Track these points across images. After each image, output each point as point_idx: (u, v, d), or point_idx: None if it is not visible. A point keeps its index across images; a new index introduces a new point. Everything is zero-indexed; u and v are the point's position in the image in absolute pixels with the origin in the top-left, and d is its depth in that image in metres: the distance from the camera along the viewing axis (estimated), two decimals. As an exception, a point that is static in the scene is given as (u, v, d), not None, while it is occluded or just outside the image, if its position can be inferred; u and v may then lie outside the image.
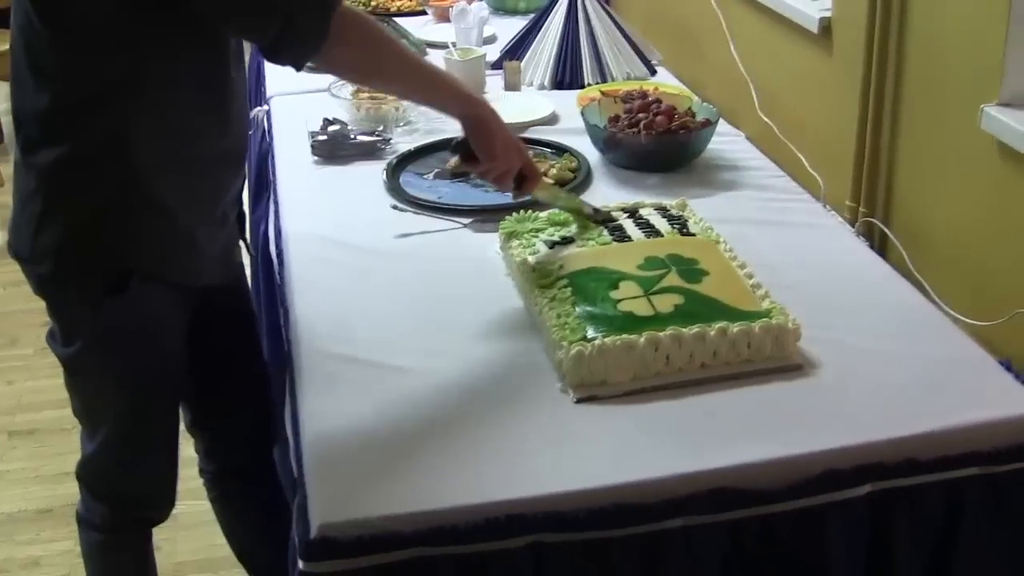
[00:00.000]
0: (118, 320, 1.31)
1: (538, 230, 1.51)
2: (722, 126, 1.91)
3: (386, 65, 1.28)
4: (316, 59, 1.22)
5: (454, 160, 1.79)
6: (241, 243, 1.53)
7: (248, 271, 1.79)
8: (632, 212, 1.55)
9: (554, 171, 1.77)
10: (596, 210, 1.52)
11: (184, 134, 1.26)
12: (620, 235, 1.47)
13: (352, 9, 1.24)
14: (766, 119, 1.98)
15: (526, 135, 1.97)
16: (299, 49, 1.20)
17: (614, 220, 1.50)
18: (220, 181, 1.36)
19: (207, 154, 1.30)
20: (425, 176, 1.84)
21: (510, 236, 1.51)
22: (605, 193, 1.73)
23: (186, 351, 1.43)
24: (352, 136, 1.90)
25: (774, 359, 1.25)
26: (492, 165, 1.35)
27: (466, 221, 1.62)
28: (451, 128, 2.05)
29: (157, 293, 1.32)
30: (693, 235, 1.48)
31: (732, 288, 1.33)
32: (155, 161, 1.25)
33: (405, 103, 2.00)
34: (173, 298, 1.36)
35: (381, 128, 1.99)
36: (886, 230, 1.64)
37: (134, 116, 1.22)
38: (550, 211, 1.55)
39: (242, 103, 1.36)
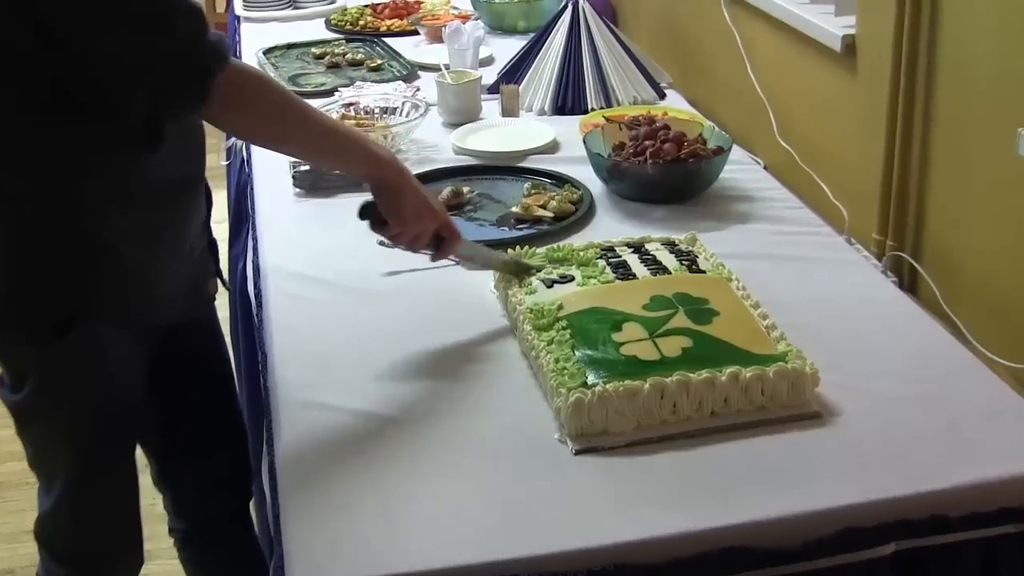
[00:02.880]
0: (65, 363, 1.33)
1: (536, 267, 1.53)
2: (736, 153, 1.94)
3: (281, 129, 1.31)
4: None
5: (446, 193, 1.82)
6: (219, 279, 1.56)
7: (227, 310, 1.82)
8: (638, 247, 1.58)
9: (554, 203, 1.80)
10: (527, 267, 1.52)
11: (122, 167, 1.28)
12: (624, 272, 1.49)
13: (244, 72, 1.26)
14: (785, 145, 2.00)
15: (524, 164, 2.01)
16: (175, 121, 1.24)
17: (539, 269, 1.51)
18: (169, 214, 1.37)
19: (150, 187, 1.31)
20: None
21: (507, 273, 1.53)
22: (609, 227, 1.75)
23: (146, 394, 1.45)
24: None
25: (790, 406, 1.26)
26: (402, 229, 1.38)
27: (458, 258, 1.64)
28: (445, 156, 2.12)
29: (108, 333, 1.34)
30: (703, 272, 1.50)
31: (745, 330, 1.34)
32: (94, 197, 1.27)
33: (394, 130, 2.03)
34: (127, 338, 1.37)
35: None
36: (916, 265, 1.66)
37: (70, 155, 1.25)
38: (548, 247, 1.58)
39: (191, 128, 1.36)
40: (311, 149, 1.37)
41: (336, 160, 1.40)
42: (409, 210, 1.35)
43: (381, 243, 1.61)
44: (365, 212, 1.38)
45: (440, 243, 1.43)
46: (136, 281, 1.34)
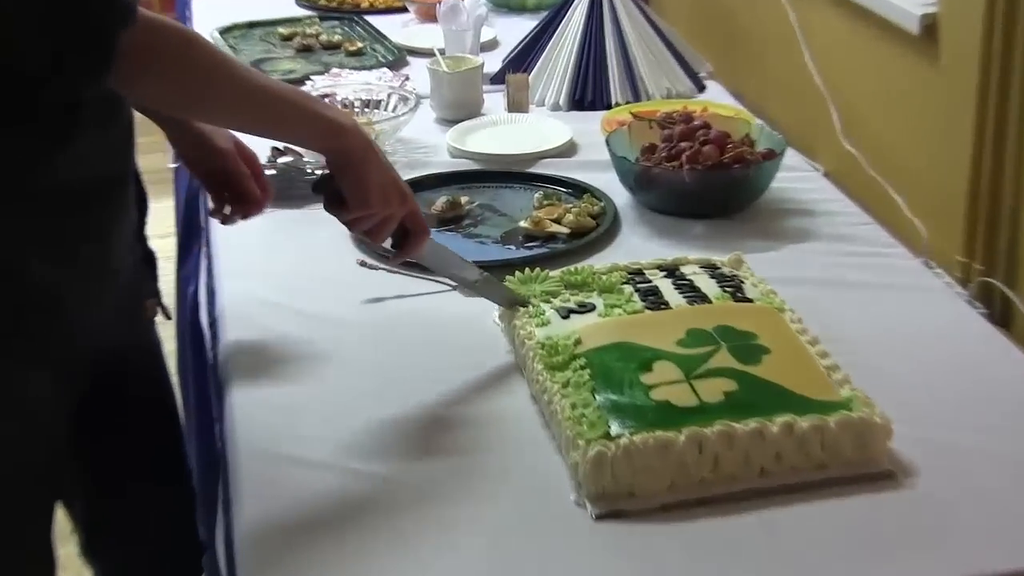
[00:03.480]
0: None
1: (550, 294, 1.55)
2: (791, 158, 1.96)
3: (212, 94, 1.28)
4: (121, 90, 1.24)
5: (440, 204, 1.84)
6: (159, 304, 1.57)
7: (174, 343, 1.83)
8: (671, 271, 1.59)
9: (571, 217, 1.82)
10: (511, 296, 1.54)
11: (22, 163, 1.24)
12: (655, 301, 1.51)
13: (159, 29, 1.22)
14: (849, 148, 2.01)
15: (535, 170, 2.03)
16: (78, 91, 1.21)
17: (523, 304, 1.52)
18: (86, 223, 1.33)
19: (60, 188, 1.28)
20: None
21: (513, 302, 1.55)
22: (637, 245, 1.77)
23: (71, 447, 1.43)
24: (309, 171, 1.95)
25: (856, 464, 1.27)
26: (364, 213, 1.37)
27: (456, 282, 1.66)
28: (439, 159, 2.13)
29: (19, 373, 1.30)
30: (750, 301, 1.52)
31: (801, 370, 1.35)
32: None
33: (378, 127, 2.05)
34: (46, 378, 1.34)
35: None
36: (1009, 293, 1.66)
37: None
38: (563, 270, 1.60)
39: (110, 112, 1.34)
40: (253, 117, 1.33)
41: (285, 129, 1.37)
42: (375, 191, 1.35)
43: (360, 257, 1.63)
44: (320, 186, 1.38)
45: (404, 238, 1.43)
46: (46, 304, 1.30)
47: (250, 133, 1.52)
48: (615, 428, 1.26)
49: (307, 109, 1.34)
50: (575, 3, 2.37)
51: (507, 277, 1.59)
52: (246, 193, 1.57)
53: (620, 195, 1.90)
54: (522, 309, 1.51)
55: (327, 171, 1.37)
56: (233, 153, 1.56)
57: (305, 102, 1.36)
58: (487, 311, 1.58)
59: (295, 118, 1.33)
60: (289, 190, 1.90)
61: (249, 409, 1.42)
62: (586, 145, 2.11)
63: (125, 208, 1.41)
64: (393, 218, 1.38)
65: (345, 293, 1.65)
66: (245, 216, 1.59)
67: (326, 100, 2.16)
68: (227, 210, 1.59)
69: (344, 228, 1.41)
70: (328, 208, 1.38)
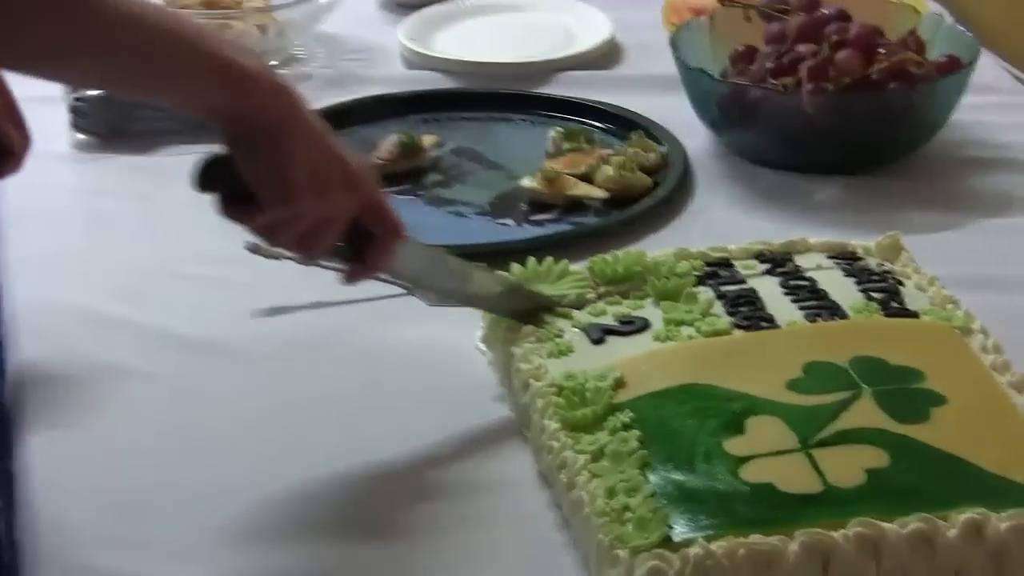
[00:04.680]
0: None
1: (567, 298, 1.55)
2: (988, 70, 1.97)
3: (64, 37, 1.29)
4: None
5: (388, 147, 1.84)
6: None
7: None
8: (780, 262, 1.60)
9: (608, 171, 1.82)
10: (546, 301, 1.56)
11: None
12: (752, 314, 1.51)
13: None
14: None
15: (548, 90, 2.03)
16: None
17: (579, 306, 1.54)
18: None
19: None
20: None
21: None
22: (719, 220, 1.79)
23: None
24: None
25: None
26: (287, 212, 1.38)
27: (401, 280, 1.65)
28: (387, 72, 2.12)
29: None
30: (914, 315, 1.52)
31: (997, 433, 1.35)
32: None
33: (280, 16, 2.06)
34: None
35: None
36: None
37: None
38: (594, 259, 1.59)
39: None
40: (117, 67, 1.35)
41: (161, 81, 1.39)
42: (302, 171, 1.35)
43: (252, 248, 1.63)
44: (209, 176, 1.38)
45: (363, 246, 1.44)
46: None
47: (116, 90, 1.59)
48: (681, 529, 1.24)
49: (197, 46, 1.35)
50: None
51: (499, 273, 1.58)
52: None
53: (694, 134, 1.90)
54: (527, 327, 1.51)
55: (217, 151, 1.37)
56: None
57: (193, 37, 1.36)
58: (467, 330, 1.58)
59: (181, 62, 1.35)
60: (129, 123, 1.90)
61: (61, 496, 1.41)
62: (636, 48, 2.11)
63: None
64: (336, 217, 1.40)
65: (224, 298, 1.67)
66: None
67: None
68: None
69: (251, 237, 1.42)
70: (226, 210, 1.39)
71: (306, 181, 1.36)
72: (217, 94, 1.35)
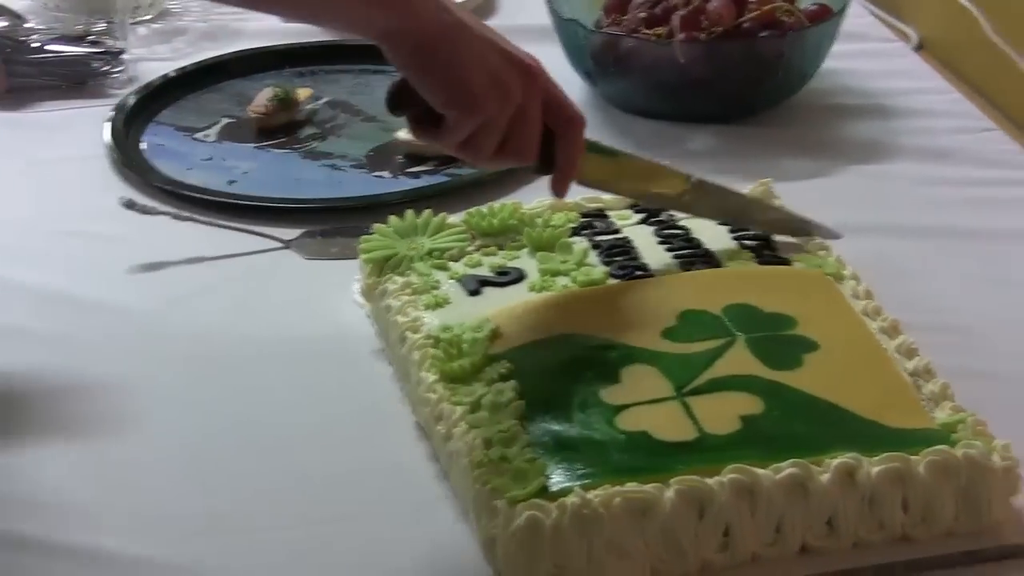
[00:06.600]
0: None
1: (448, 252, 1.56)
2: (859, 19, 2.00)
3: None
4: None
5: (262, 101, 1.84)
6: None
7: None
8: (653, 212, 1.61)
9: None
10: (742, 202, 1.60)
11: None
12: (626, 264, 1.53)
13: None
14: (964, 1, 2.02)
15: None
16: None
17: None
18: None
19: None
20: (202, 134, 1.90)
21: (386, 266, 1.55)
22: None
23: None
24: (36, 41, 1.97)
25: (962, 534, 1.27)
26: (477, 120, 1.39)
27: (292, 234, 1.67)
28: (257, 25, 2.11)
29: None
30: (786, 262, 1.54)
31: (869, 379, 1.37)
32: None
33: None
34: None
35: (102, 21, 2.05)
36: None
37: None
38: (470, 212, 1.61)
39: None
40: None
41: (338, 10, 1.41)
42: (480, 75, 1.38)
43: (127, 204, 1.64)
44: (399, 99, 1.42)
45: (549, 147, 1.45)
46: None
47: (280, 10, 1.61)
48: (558, 479, 1.25)
49: None
50: None
51: (376, 225, 1.59)
52: None
53: (569, 85, 1.86)
54: (403, 280, 1.52)
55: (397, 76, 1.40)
56: None
57: None
58: (344, 282, 1.59)
59: None
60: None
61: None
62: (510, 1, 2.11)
63: None
64: (529, 109, 1.41)
65: (100, 254, 1.67)
66: None
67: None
68: None
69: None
70: (418, 132, 1.43)
71: (487, 83, 1.38)
72: (381, 16, 1.37)
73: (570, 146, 1.46)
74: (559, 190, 1.50)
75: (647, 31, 1.86)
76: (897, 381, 1.37)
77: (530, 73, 1.41)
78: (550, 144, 1.45)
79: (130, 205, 1.71)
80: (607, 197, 1.64)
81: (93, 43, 1.99)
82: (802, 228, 1.59)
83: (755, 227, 1.59)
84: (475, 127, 1.39)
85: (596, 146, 1.52)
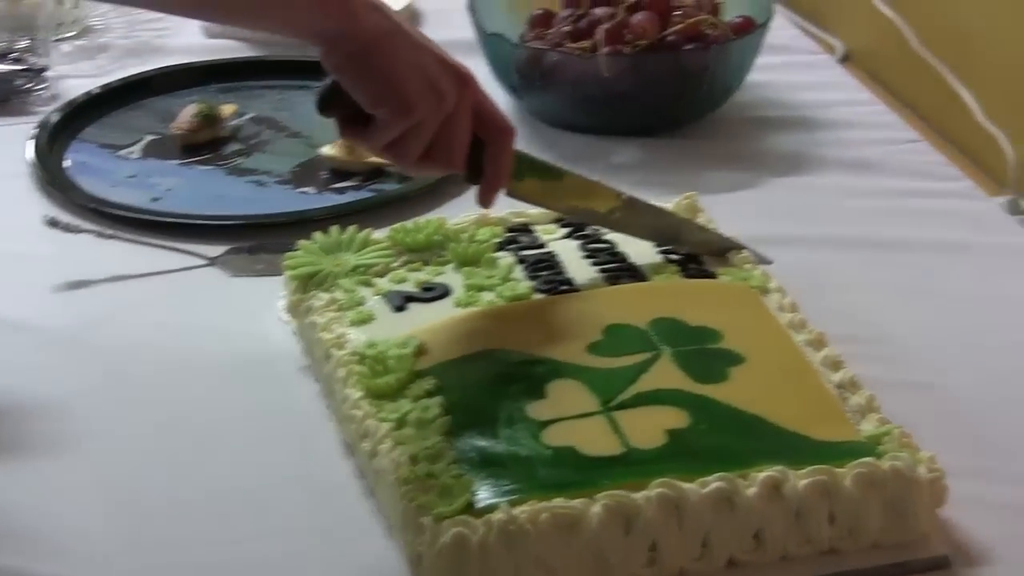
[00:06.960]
0: None
1: (373, 268, 1.56)
2: (784, 31, 2.00)
3: None
4: None
5: (187, 118, 1.83)
6: None
7: None
8: (579, 226, 1.61)
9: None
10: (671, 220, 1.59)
11: None
12: (552, 278, 1.53)
13: None
14: (888, 12, 2.03)
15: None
16: None
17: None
18: None
19: None
20: (126, 151, 1.90)
21: (311, 283, 1.55)
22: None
23: None
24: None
25: (889, 546, 1.28)
26: (407, 123, 1.40)
27: (217, 251, 1.66)
28: (184, 42, 2.11)
29: None
30: (711, 275, 1.55)
31: (795, 391, 1.38)
32: None
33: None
34: None
35: (25, 38, 2.04)
36: None
37: None
38: (394, 227, 1.60)
39: None
40: None
41: (272, 9, 1.43)
42: (414, 78, 1.39)
43: (50, 222, 1.63)
44: (329, 100, 1.42)
45: (479, 154, 1.46)
46: None
47: (210, 16, 1.60)
48: (484, 495, 1.25)
49: None
50: None
51: (301, 242, 1.58)
52: None
53: (495, 99, 1.89)
54: (328, 296, 1.51)
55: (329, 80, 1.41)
56: None
57: None
58: (269, 300, 1.59)
59: None
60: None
61: None
62: (435, 14, 2.12)
63: None
64: (459, 114, 1.42)
65: (21, 273, 1.66)
66: None
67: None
68: None
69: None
70: (346, 133, 1.44)
71: (421, 86, 1.39)
72: (321, 19, 1.38)
73: (499, 155, 1.47)
74: (486, 200, 1.51)
75: (572, 45, 1.86)
76: (823, 394, 1.38)
77: (464, 81, 1.43)
78: (480, 154, 1.45)
79: (53, 223, 1.70)
80: (533, 211, 1.64)
81: (16, 60, 1.99)
82: (732, 251, 1.58)
83: (684, 248, 1.59)
84: (404, 129, 1.40)
85: (528, 160, 1.53)
